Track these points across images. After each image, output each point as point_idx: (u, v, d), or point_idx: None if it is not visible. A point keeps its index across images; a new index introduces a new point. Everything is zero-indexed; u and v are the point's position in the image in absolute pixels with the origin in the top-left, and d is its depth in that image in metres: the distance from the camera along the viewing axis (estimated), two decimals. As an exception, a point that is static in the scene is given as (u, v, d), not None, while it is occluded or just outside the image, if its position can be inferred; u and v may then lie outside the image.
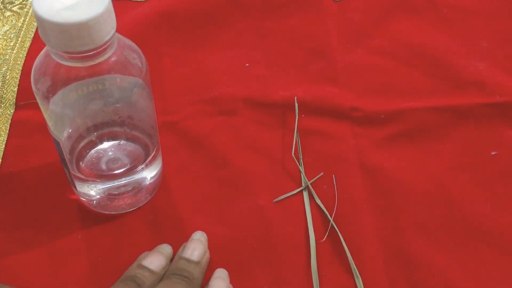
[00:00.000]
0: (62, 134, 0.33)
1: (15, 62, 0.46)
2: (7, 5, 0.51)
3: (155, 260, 0.34)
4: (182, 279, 0.33)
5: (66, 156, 0.34)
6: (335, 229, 0.37)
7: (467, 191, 0.40)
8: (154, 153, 0.37)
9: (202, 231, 0.37)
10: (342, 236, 0.37)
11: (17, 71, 0.46)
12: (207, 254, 0.36)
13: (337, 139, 0.43)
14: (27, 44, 0.48)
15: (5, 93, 0.44)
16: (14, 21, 0.50)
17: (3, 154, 0.41)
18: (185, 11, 0.51)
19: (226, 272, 0.35)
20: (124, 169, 0.36)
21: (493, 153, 0.42)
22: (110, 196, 0.37)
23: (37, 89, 0.30)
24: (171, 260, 0.36)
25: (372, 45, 0.50)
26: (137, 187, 0.37)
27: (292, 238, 0.37)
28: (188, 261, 0.34)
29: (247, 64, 0.48)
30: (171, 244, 0.36)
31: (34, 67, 0.30)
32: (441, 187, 0.40)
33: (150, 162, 0.37)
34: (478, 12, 0.52)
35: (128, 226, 0.38)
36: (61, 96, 0.30)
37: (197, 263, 0.34)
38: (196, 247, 0.35)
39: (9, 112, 0.43)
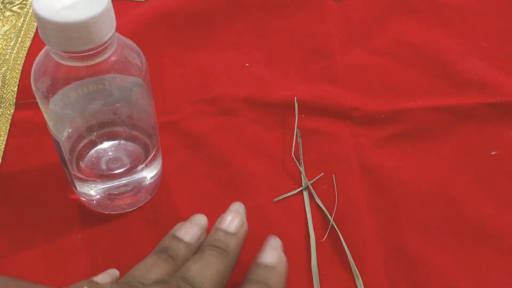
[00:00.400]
0: (62, 134, 0.33)
1: (15, 62, 0.46)
2: (7, 5, 0.52)
3: (189, 231, 0.33)
4: (217, 250, 0.32)
5: (66, 156, 0.34)
6: (335, 229, 0.37)
7: (467, 191, 0.40)
8: (154, 153, 0.37)
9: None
10: (342, 236, 0.37)
11: (17, 71, 0.46)
12: (245, 226, 0.34)
13: (337, 139, 0.43)
14: (27, 44, 0.48)
15: (5, 93, 0.44)
16: (14, 21, 0.50)
17: (3, 154, 0.41)
18: (185, 11, 0.51)
19: (280, 242, 0.34)
20: (124, 169, 0.36)
21: (493, 153, 0.42)
22: (110, 196, 0.37)
23: (37, 89, 0.30)
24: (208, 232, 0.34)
25: (372, 45, 0.49)
26: (137, 187, 0.37)
27: (292, 238, 0.37)
28: (225, 232, 0.33)
29: (247, 64, 0.48)
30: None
31: (34, 67, 0.30)
32: (441, 187, 0.40)
33: (150, 162, 0.37)
34: (478, 12, 0.52)
35: (128, 226, 0.38)
36: (61, 95, 0.30)
37: (234, 234, 0.33)
38: (234, 218, 0.34)
39: (9, 112, 0.43)
